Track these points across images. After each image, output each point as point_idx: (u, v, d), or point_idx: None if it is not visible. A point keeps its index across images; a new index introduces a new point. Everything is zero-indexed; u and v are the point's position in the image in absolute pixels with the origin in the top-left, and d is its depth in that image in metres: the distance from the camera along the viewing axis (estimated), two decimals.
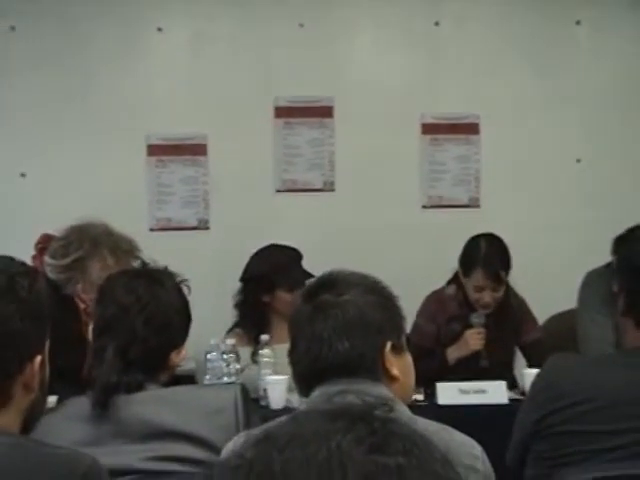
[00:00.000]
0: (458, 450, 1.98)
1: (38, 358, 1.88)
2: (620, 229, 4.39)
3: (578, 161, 5.52)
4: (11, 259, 1.92)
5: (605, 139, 5.49)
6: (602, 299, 4.47)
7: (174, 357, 2.53)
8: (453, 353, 4.44)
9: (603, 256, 4.48)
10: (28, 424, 1.91)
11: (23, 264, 1.95)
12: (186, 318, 2.61)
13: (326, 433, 0.87)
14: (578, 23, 5.52)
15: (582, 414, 2.47)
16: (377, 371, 2.10)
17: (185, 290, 2.63)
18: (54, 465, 1.80)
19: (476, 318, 4.45)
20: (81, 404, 2.42)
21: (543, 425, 2.52)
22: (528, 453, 2.59)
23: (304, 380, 2.13)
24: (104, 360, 2.43)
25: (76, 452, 1.87)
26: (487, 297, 4.43)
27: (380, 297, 2.16)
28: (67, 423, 2.37)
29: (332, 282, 2.15)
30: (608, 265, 4.49)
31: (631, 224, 4.31)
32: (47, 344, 1.93)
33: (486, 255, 4.41)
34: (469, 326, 4.45)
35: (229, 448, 2.04)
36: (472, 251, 4.46)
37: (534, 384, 2.66)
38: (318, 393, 2.06)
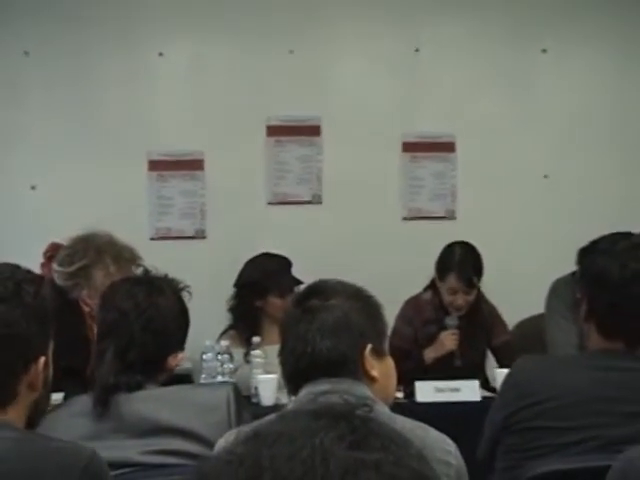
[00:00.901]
0: (432, 446, 1.97)
1: (42, 359, 1.87)
2: (584, 241, 4.39)
3: (545, 177, 5.53)
4: (17, 267, 1.91)
5: (570, 157, 5.50)
6: (567, 305, 4.48)
7: (171, 360, 2.51)
8: (430, 353, 4.45)
9: (568, 265, 4.47)
10: (33, 420, 1.90)
11: (29, 271, 1.94)
12: (184, 324, 2.59)
13: (310, 431, 0.87)
14: (544, 51, 5.53)
15: (548, 411, 2.46)
16: (358, 371, 2.09)
17: (186, 296, 2.62)
18: (58, 457, 1.79)
19: (450, 320, 4.47)
20: (83, 402, 2.41)
21: (512, 421, 2.51)
22: (498, 447, 2.58)
23: (292, 378, 2.13)
24: (104, 361, 2.42)
25: (78, 445, 1.86)
26: (460, 300, 4.45)
27: (364, 304, 2.15)
28: (70, 419, 2.36)
29: (320, 289, 2.15)
30: (573, 274, 4.50)
31: (594, 236, 4.31)
32: (51, 346, 1.92)
33: (460, 261, 4.44)
34: (444, 328, 4.47)
35: (221, 444, 2.03)
36: (447, 257, 4.48)
37: (504, 383, 2.66)
38: (304, 392, 2.05)
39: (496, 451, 2.60)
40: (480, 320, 4.55)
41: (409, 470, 0.85)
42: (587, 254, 2.61)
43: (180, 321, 2.55)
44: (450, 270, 4.44)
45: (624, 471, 1.81)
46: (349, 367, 2.07)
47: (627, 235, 2.60)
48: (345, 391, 1.99)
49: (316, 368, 2.05)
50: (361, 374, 2.10)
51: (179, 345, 2.55)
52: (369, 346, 2.08)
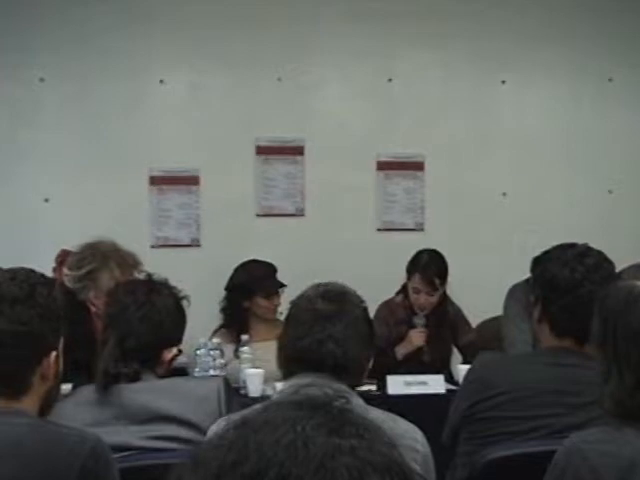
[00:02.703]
0: (402, 435, 1.97)
1: (53, 353, 1.87)
2: (537, 251, 4.40)
3: (504, 194, 5.55)
4: (32, 271, 1.91)
5: (525, 177, 5.52)
6: (523, 308, 4.49)
7: (166, 354, 2.50)
8: (400, 350, 4.46)
9: (523, 272, 4.48)
10: (45, 408, 1.89)
11: (42, 275, 1.93)
12: (180, 322, 2.59)
13: (293, 419, 0.86)
14: (503, 82, 5.55)
15: (505, 402, 2.47)
16: (360, 376, 2.09)
17: (185, 304, 2.62)
18: (66, 441, 1.79)
19: (418, 319, 4.48)
20: (89, 391, 2.40)
21: (473, 411, 2.52)
22: (460, 434, 2.59)
23: (287, 364, 2.10)
24: (106, 349, 2.43)
25: (84, 431, 1.85)
26: (422, 299, 4.46)
27: (366, 312, 2.16)
28: (77, 407, 2.35)
29: (338, 294, 2.12)
30: (527, 280, 4.51)
31: (546, 247, 4.33)
32: (61, 341, 1.91)
33: (425, 264, 4.46)
34: (413, 327, 4.48)
35: (213, 430, 2.02)
36: (416, 260, 4.52)
37: (466, 376, 2.66)
38: (288, 385, 2.05)
39: (458, 436, 2.60)
40: (446, 320, 4.56)
41: (381, 455, 0.85)
42: (540, 262, 2.62)
43: (175, 319, 2.55)
44: (415, 271, 4.47)
45: (568, 453, 1.82)
46: (353, 372, 2.07)
47: (573, 245, 2.62)
48: (325, 385, 1.99)
49: (322, 365, 2.02)
50: (361, 380, 2.11)
51: (175, 341, 2.54)
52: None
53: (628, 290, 1.87)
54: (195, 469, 0.85)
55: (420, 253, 4.53)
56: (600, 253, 2.53)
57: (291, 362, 2.08)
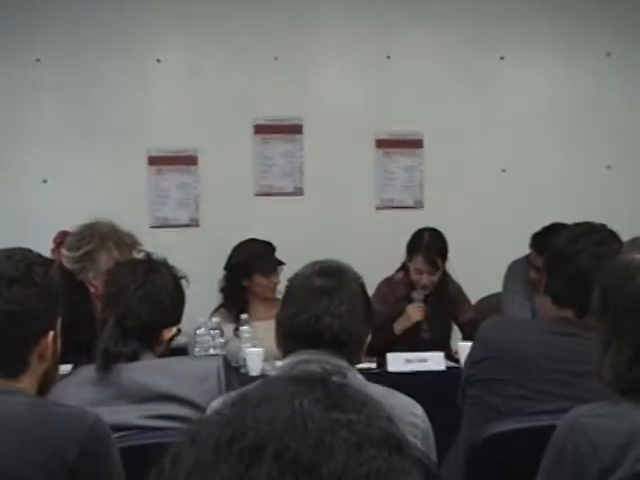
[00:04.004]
0: (402, 410, 1.97)
1: (51, 333, 1.86)
2: (536, 227, 4.42)
3: (503, 171, 5.53)
4: (29, 251, 1.90)
5: (525, 153, 5.51)
6: (522, 284, 4.51)
7: (166, 333, 2.50)
8: (398, 325, 4.46)
9: (523, 249, 4.51)
10: (43, 388, 1.89)
11: (39, 255, 1.93)
12: (179, 301, 2.58)
13: (291, 395, 0.86)
14: (502, 58, 5.53)
15: (503, 363, 2.48)
16: (358, 352, 2.09)
17: (184, 284, 2.61)
18: (65, 420, 1.78)
19: (417, 294, 4.49)
20: (88, 371, 2.40)
21: (473, 371, 2.54)
22: (465, 397, 2.60)
23: (285, 341, 2.10)
24: (106, 329, 2.42)
25: (83, 410, 1.85)
26: (425, 279, 4.45)
27: (363, 288, 2.15)
28: (76, 387, 2.35)
29: (334, 270, 2.12)
30: (527, 256, 4.52)
31: (545, 223, 4.34)
32: (59, 321, 1.91)
33: (427, 245, 4.44)
34: (411, 302, 4.48)
35: (212, 407, 2.02)
36: (416, 241, 4.49)
37: (474, 340, 2.69)
38: (287, 362, 2.04)
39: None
40: (446, 298, 4.55)
41: (379, 429, 0.84)
42: (547, 236, 2.66)
43: (175, 298, 2.55)
44: (417, 253, 4.45)
45: (569, 428, 1.82)
46: (351, 346, 2.06)
47: (588, 223, 2.64)
48: (323, 361, 1.98)
49: (320, 340, 2.02)
50: (359, 355, 2.10)
51: (174, 320, 2.54)
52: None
53: (627, 263, 1.88)
54: (193, 445, 0.84)
55: (420, 233, 4.51)
56: (612, 233, 2.54)
57: (289, 339, 2.07)
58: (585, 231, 2.56)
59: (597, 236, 2.52)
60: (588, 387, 2.14)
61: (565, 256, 2.52)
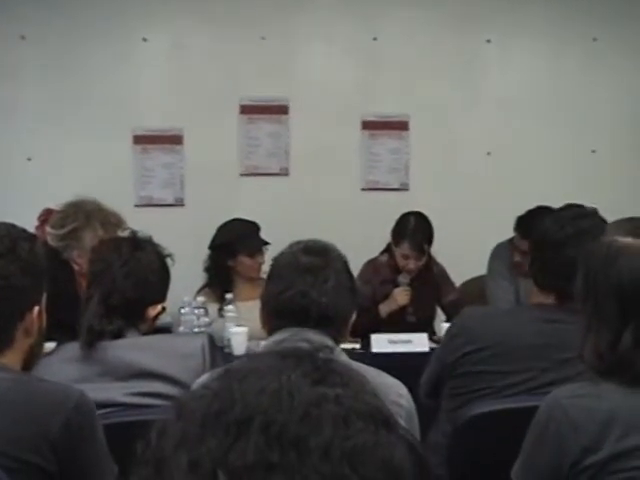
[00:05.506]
0: (387, 390, 1.97)
1: (36, 308, 1.85)
2: (521, 210, 4.43)
3: (488, 154, 5.54)
4: (13, 226, 1.89)
5: (510, 136, 5.51)
6: (506, 267, 4.52)
7: (151, 310, 2.49)
8: (384, 308, 4.46)
9: (507, 232, 4.52)
10: (28, 364, 1.88)
11: (24, 230, 1.92)
12: (164, 279, 2.58)
13: (278, 369, 0.86)
14: (488, 41, 5.52)
15: (489, 357, 2.48)
16: (344, 329, 2.10)
17: (169, 262, 2.61)
18: (50, 397, 1.78)
19: (402, 278, 4.48)
20: (73, 348, 2.39)
21: (458, 365, 2.52)
22: (443, 389, 2.59)
23: (270, 319, 2.10)
24: (90, 306, 2.41)
25: (68, 387, 1.85)
26: (411, 264, 4.44)
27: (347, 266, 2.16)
28: (61, 364, 2.34)
29: (319, 248, 2.13)
30: (511, 240, 4.53)
31: (530, 206, 4.35)
32: (44, 297, 1.90)
33: (413, 231, 4.42)
34: (397, 286, 4.48)
35: (198, 384, 2.01)
36: (402, 226, 4.46)
37: (449, 330, 2.65)
38: (272, 339, 2.04)
39: (440, 391, 2.61)
40: (430, 280, 4.55)
41: (365, 404, 0.85)
42: (530, 220, 2.65)
43: (160, 275, 2.54)
44: (404, 238, 4.42)
45: (550, 408, 1.83)
46: (337, 323, 2.07)
47: (577, 206, 2.61)
48: (308, 338, 1.98)
49: (306, 317, 2.02)
50: (345, 333, 2.11)
51: (159, 298, 2.53)
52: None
53: (607, 246, 1.88)
54: (180, 418, 0.84)
55: (406, 217, 4.47)
56: (600, 220, 2.50)
57: (275, 316, 2.07)
58: (572, 216, 2.53)
59: (584, 223, 2.49)
60: (571, 373, 2.16)
61: (548, 242, 2.50)
